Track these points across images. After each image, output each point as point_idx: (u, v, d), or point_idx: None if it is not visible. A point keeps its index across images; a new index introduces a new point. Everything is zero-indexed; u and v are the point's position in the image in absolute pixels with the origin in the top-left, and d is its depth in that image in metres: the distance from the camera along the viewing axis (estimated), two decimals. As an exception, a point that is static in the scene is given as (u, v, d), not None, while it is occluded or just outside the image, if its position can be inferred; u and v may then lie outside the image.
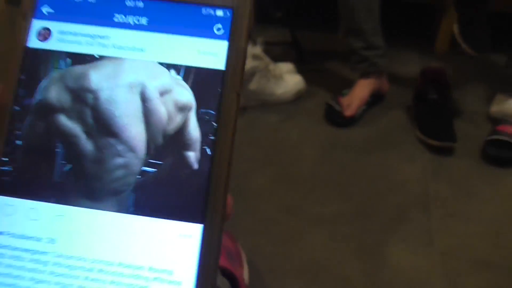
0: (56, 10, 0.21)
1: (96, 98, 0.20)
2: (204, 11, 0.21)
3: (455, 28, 1.41)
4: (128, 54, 0.21)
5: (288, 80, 1.52)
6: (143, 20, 0.21)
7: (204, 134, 0.20)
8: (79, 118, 0.20)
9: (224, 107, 0.20)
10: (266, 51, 1.51)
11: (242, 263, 0.92)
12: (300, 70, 1.57)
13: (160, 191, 0.20)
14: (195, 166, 0.20)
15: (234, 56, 0.21)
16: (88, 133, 0.20)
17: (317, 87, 1.59)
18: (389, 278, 0.96)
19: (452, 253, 1.02)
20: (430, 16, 1.93)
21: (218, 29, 0.21)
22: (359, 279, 0.96)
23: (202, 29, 0.21)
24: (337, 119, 1.42)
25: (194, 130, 0.20)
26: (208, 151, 0.20)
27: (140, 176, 0.20)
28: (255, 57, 1.46)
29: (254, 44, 1.49)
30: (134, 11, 0.21)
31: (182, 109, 0.20)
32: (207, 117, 0.20)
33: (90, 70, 0.20)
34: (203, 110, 0.20)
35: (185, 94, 0.20)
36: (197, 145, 0.20)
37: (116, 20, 0.21)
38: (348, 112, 1.40)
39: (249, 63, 1.44)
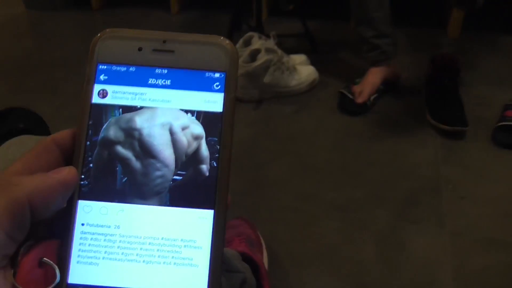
0: (109, 77, 0.33)
1: (140, 134, 0.32)
2: (207, 74, 0.32)
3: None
4: (159, 104, 0.33)
5: (302, 71, 1.58)
6: (168, 82, 0.33)
7: (211, 153, 0.33)
8: (130, 147, 0.32)
9: (223, 136, 0.32)
10: (279, 44, 1.57)
11: (262, 249, 0.99)
12: (313, 61, 1.63)
13: (185, 191, 0.32)
14: (207, 174, 0.33)
15: (228, 102, 0.32)
16: (137, 156, 0.32)
17: (330, 77, 1.64)
18: (402, 259, 1.01)
19: (462, 233, 1.06)
20: (441, 2, 1.95)
21: (217, 86, 0.32)
22: (373, 261, 1.01)
23: (206, 86, 0.33)
24: (350, 107, 1.48)
25: (205, 151, 0.32)
26: (215, 164, 0.32)
27: (172, 182, 0.32)
28: (269, 50, 1.52)
29: (268, 38, 1.55)
30: (161, 76, 0.33)
31: (196, 138, 0.32)
32: (213, 143, 0.32)
33: (135, 116, 0.32)
34: (210, 138, 0.33)
35: (198, 129, 0.32)
36: (207, 161, 0.32)
37: (150, 82, 0.33)
38: (360, 99, 1.47)
39: (263, 57, 1.51)
